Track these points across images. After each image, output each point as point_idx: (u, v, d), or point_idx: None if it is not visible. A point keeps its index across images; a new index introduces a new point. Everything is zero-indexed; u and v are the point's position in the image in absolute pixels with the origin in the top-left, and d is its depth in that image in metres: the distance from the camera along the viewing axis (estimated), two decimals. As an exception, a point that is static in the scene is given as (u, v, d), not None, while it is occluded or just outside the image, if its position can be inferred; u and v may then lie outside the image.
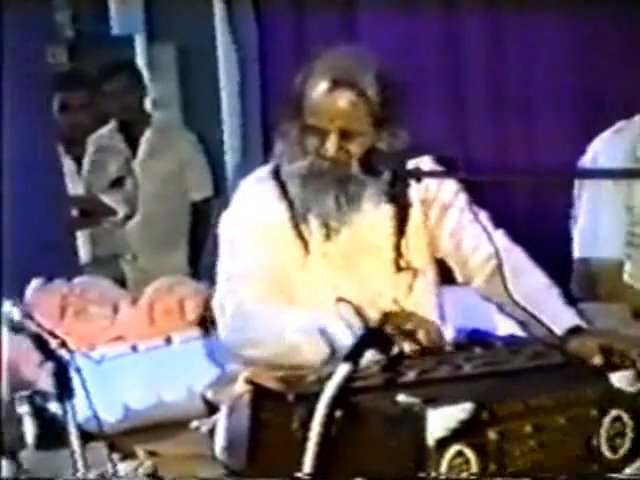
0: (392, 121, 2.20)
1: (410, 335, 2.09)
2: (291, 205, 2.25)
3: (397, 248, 2.28)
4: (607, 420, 1.84)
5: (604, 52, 3.38)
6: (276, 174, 2.29)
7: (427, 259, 2.34)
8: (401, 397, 1.77)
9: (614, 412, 1.85)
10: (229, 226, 2.32)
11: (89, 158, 4.21)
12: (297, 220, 2.24)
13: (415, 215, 2.30)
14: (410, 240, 2.29)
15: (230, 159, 4.40)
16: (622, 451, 1.85)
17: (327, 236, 2.25)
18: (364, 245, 2.27)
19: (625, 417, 1.85)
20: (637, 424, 1.86)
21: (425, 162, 2.29)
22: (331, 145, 2.18)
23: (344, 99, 2.17)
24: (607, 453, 1.84)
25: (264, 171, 2.33)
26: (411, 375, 1.92)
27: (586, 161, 2.85)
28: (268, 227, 2.25)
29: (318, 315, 2.16)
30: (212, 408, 2.21)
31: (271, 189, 2.28)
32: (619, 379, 1.89)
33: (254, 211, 2.28)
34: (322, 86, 2.18)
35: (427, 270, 2.33)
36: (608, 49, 3.37)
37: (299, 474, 1.76)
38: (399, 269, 2.28)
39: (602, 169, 2.80)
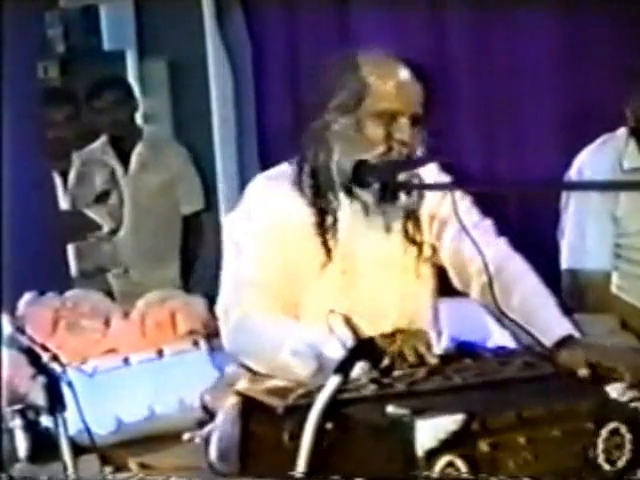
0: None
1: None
2: (321, 211, 2.20)
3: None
4: (604, 432, 1.82)
5: (590, 65, 3.41)
6: (300, 177, 2.23)
7: (430, 270, 2.35)
8: (391, 408, 1.77)
9: (612, 424, 1.83)
10: (239, 229, 2.25)
11: (75, 173, 4.21)
12: (325, 227, 2.20)
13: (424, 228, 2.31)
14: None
15: (221, 173, 4.42)
16: (620, 463, 1.83)
17: (349, 249, 2.21)
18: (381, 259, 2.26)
19: (623, 429, 1.83)
20: (636, 436, 1.84)
21: (430, 170, 2.29)
22: (406, 128, 2.16)
23: (416, 87, 2.19)
24: (605, 465, 1.82)
25: (282, 173, 2.27)
26: (401, 386, 1.93)
27: (572, 174, 2.87)
28: (289, 232, 2.20)
29: (317, 337, 2.11)
30: (209, 413, 2.19)
31: (294, 192, 2.22)
32: (615, 391, 1.89)
33: (272, 215, 2.21)
34: (382, 71, 2.18)
35: (430, 279, 2.34)
36: (594, 62, 3.39)
37: (291, 485, 1.77)
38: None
39: (588, 181, 2.82)
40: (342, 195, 2.22)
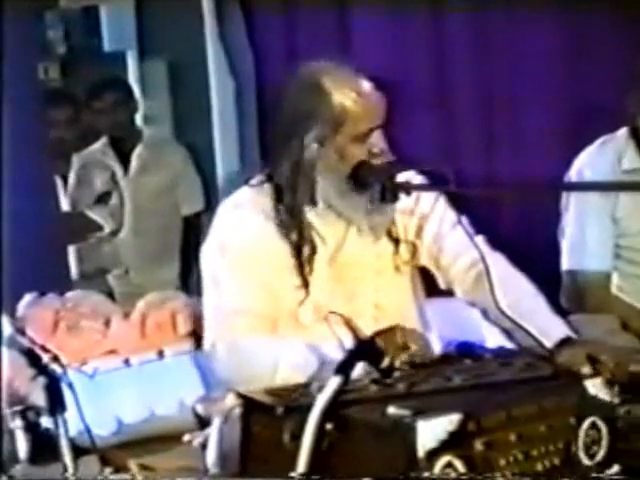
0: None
1: (404, 348, 2.09)
2: (300, 235, 2.21)
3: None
4: (584, 427, 1.85)
5: (590, 67, 3.42)
6: (277, 211, 2.22)
7: (411, 272, 2.35)
8: (391, 409, 1.78)
9: (590, 419, 1.86)
10: (213, 263, 2.26)
11: (75, 174, 4.22)
12: (301, 258, 2.21)
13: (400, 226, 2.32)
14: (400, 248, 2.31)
15: (222, 173, 4.42)
16: (598, 457, 1.86)
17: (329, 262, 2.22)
18: (356, 261, 2.27)
19: (601, 424, 1.86)
20: (612, 431, 1.87)
21: (410, 175, 2.30)
22: (380, 140, 2.19)
23: (381, 97, 2.21)
24: (584, 460, 1.85)
25: (251, 201, 2.26)
26: (401, 387, 1.93)
27: (572, 174, 2.88)
28: (264, 261, 2.20)
29: (311, 349, 2.12)
30: (203, 422, 2.21)
31: (266, 221, 2.22)
32: (594, 386, 1.91)
33: (246, 245, 2.21)
34: (352, 94, 2.18)
35: (409, 273, 2.34)
36: (593, 64, 3.40)
37: (291, 486, 1.77)
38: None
39: (588, 182, 2.83)
40: (321, 223, 2.22)
